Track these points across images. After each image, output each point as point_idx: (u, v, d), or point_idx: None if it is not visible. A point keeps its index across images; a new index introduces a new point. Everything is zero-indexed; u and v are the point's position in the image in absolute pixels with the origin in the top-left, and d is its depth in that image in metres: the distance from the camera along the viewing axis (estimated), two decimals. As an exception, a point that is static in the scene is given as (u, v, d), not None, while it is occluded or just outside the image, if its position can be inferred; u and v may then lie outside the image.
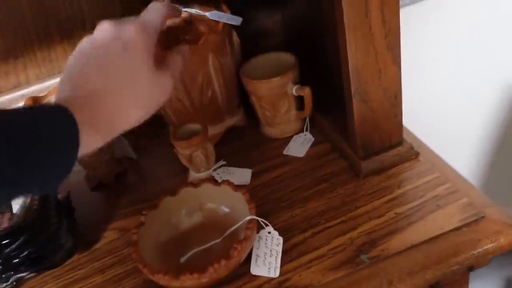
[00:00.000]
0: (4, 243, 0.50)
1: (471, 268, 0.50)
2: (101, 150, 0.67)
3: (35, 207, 0.52)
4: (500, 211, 0.52)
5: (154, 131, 0.79)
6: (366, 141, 0.57)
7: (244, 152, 0.69)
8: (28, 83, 0.77)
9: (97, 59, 0.38)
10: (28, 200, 0.53)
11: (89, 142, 0.35)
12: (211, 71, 0.64)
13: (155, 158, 0.74)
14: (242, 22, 0.58)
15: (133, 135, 0.77)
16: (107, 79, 0.37)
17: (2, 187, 0.30)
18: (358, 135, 0.56)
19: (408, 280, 0.47)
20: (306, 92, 0.63)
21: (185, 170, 0.66)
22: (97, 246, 0.60)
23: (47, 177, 0.33)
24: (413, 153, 0.59)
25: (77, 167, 0.70)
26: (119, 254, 0.58)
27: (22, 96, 0.77)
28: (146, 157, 0.74)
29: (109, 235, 0.61)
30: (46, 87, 0.76)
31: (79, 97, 0.36)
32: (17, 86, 0.77)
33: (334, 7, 0.49)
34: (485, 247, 0.49)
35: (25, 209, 0.53)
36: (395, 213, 0.54)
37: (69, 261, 0.57)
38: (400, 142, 0.59)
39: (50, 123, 0.32)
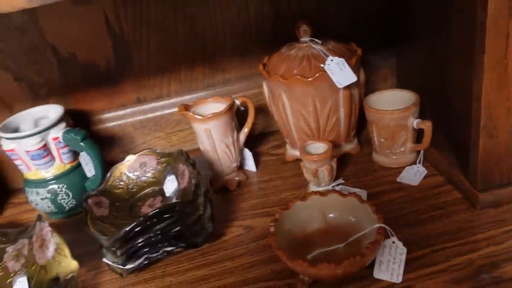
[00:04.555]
0: (164, 217, 0.59)
1: None
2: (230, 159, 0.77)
3: (190, 191, 0.61)
4: None
5: (271, 150, 0.88)
6: (487, 175, 0.62)
7: (358, 176, 0.75)
8: (168, 96, 0.90)
9: None
10: (184, 185, 0.62)
11: None
12: (340, 98, 0.72)
13: (271, 172, 0.81)
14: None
15: (255, 150, 0.87)
16: None
17: None
18: (480, 168, 0.61)
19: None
20: (427, 125, 0.70)
21: (301, 186, 0.73)
22: (225, 238, 0.67)
23: None
24: (532, 191, 0.63)
25: (204, 172, 0.80)
26: (246, 247, 0.65)
27: (162, 106, 0.90)
28: (264, 171, 0.82)
29: (235, 231, 0.68)
30: (184, 100, 0.88)
31: None
32: (159, 97, 0.90)
33: (468, 46, 0.56)
34: None
35: (181, 192, 0.61)
36: (515, 242, 0.57)
37: (201, 247, 0.65)
38: (520, 178, 0.63)
39: None
